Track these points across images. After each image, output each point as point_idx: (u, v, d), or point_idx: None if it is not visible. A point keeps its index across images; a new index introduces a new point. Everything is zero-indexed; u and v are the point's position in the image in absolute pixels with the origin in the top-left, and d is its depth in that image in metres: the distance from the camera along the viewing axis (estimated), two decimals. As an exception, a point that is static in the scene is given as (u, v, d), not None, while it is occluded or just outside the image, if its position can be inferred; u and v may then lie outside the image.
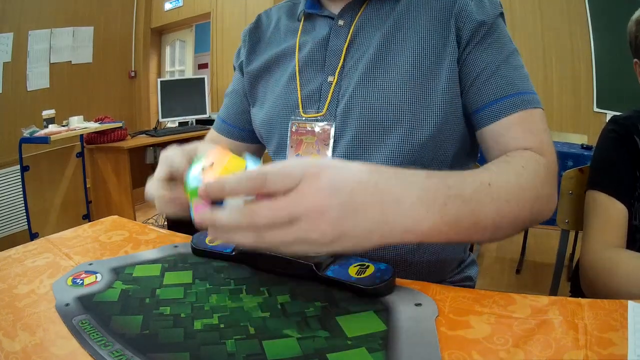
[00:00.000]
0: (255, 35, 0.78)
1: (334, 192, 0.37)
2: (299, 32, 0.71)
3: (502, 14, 0.64)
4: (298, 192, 0.37)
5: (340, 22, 0.67)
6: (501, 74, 0.59)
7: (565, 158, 2.07)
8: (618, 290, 0.54)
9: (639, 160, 0.67)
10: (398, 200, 0.40)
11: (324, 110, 0.65)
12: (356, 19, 0.66)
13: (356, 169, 0.40)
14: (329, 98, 0.65)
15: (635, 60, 0.72)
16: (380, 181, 0.40)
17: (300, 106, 0.67)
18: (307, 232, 0.37)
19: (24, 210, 2.50)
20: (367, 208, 0.38)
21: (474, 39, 0.60)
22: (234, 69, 0.82)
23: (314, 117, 0.66)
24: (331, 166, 0.39)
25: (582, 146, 2.24)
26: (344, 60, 0.65)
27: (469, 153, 0.68)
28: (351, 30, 0.66)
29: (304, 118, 0.66)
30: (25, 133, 2.53)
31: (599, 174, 0.69)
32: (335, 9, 0.69)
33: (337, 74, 0.65)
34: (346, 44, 0.66)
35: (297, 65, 0.69)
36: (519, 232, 0.53)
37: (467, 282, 0.74)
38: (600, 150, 0.71)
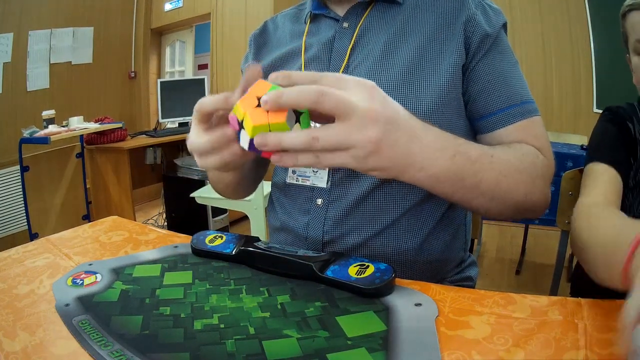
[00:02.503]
0: (261, 39, 0.80)
1: (385, 106, 0.42)
2: (305, 33, 0.73)
3: (505, 25, 0.66)
4: (357, 95, 0.41)
5: (345, 24, 0.69)
6: (507, 85, 0.63)
7: (565, 159, 2.06)
8: (593, 246, 0.49)
9: (633, 148, 0.67)
10: (421, 138, 0.45)
11: None
12: (361, 21, 0.68)
13: (396, 103, 0.45)
14: None
15: (627, 54, 0.72)
16: (412, 119, 0.46)
17: None
18: (356, 131, 0.40)
19: (24, 211, 2.50)
20: (403, 132, 0.44)
21: (480, 51, 0.63)
22: (242, 72, 0.83)
23: None
24: (379, 89, 0.44)
25: (581, 147, 2.23)
26: (348, 60, 0.67)
27: None
28: (356, 33, 0.68)
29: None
30: (25, 133, 2.53)
31: (595, 150, 0.69)
32: (341, 11, 0.70)
33: (341, 73, 0.66)
34: (350, 45, 0.67)
35: (303, 65, 0.70)
36: (510, 214, 0.58)
37: (467, 282, 0.74)
38: (596, 132, 0.73)
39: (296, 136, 0.40)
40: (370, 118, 0.40)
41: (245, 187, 0.78)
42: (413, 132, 0.45)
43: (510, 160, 0.55)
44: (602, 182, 0.62)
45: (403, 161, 0.45)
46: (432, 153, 0.46)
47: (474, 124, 0.66)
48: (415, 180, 0.47)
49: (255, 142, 0.41)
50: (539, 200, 0.58)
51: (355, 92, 0.41)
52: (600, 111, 0.75)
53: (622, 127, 0.69)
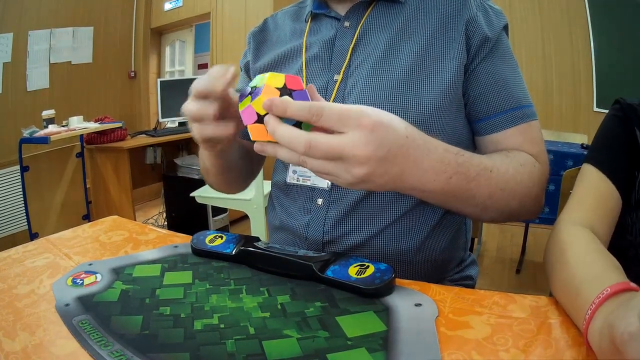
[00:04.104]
0: (261, 36, 0.80)
1: (379, 148, 0.42)
2: (306, 32, 0.73)
3: (506, 27, 0.67)
4: (352, 139, 0.41)
5: (347, 24, 0.69)
6: (506, 89, 0.63)
7: (565, 158, 2.06)
8: (557, 286, 0.48)
9: (637, 157, 0.64)
10: (417, 166, 0.47)
11: None
12: (362, 21, 0.68)
13: (401, 130, 0.45)
14: (333, 95, 0.66)
15: None
16: (412, 147, 0.46)
17: None
18: (345, 171, 0.42)
19: (24, 211, 2.50)
20: (395, 165, 0.44)
21: (480, 54, 0.63)
22: (241, 70, 0.83)
23: None
24: (382, 123, 0.43)
25: (582, 146, 2.23)
26: (349, 59, 0.67)
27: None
28: (357, 32, 0.67)
29: None
30: (25, 133, 2.53)
31: (596, 149, 0.65)
32: (342, 10, 0.70)
33: (342, 72, 0.66)
34: (352, 44, 0.67)
35: (304, 64, 0.70)
36: (505, 219, 0.60)
37: (468, 281, 0.74)
38: (602, 129, 0.68)
39: (289, 154, 0.43)
40: (360, 162, 0.42)
41: (235, 178, 0.77)
42: (410, 160, 0.45)
43: (509, 172, 0.56)
44: (591, 198, 0.59)
45: (392, 185, 0.46)
46: (427, 178, 0.48)
47: (472, 126, 0.66)
48: (407, 193, 0.51)
49: (254, 145, 0.45)
50: (532, 207, 0.61)
51: (352, 134, 0.41)
52: (601, 110, 0.72)
53: (628, 130, 0.65)
